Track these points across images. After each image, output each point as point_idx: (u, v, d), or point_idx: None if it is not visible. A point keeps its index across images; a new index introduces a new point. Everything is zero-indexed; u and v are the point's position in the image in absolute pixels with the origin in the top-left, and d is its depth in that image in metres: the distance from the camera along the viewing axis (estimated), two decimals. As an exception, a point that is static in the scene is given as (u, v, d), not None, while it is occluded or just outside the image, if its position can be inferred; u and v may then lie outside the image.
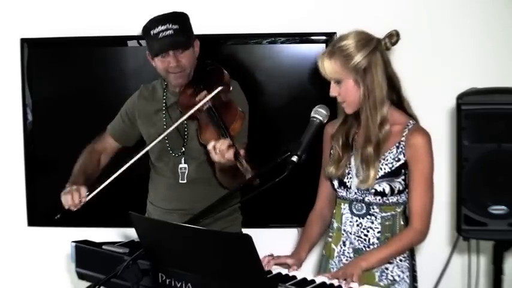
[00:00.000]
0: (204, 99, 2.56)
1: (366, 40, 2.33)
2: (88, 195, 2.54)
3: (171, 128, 2.60)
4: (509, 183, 2.20)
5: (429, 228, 2.37)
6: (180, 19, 2.65)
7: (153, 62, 2.71)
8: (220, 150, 2.33)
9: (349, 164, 2.42)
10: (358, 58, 2.29)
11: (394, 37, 2.37)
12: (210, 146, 2.37)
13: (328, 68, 2.32)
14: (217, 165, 2.49)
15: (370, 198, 2.38)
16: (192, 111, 2.55)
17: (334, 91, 2.36)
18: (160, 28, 2.59)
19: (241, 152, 2.34)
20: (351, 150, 2.43)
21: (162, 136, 2.61)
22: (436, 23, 3.28)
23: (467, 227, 2.24)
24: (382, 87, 2.34)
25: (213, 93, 2.56)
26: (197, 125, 2.63)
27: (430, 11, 3.28)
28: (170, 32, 2.58)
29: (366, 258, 2.31)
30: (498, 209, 2.20)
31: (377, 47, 2.33)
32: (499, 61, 3.24)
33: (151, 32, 2.60)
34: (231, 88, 2.65)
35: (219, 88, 2.57)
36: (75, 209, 2.54)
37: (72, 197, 2.52)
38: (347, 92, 2.33)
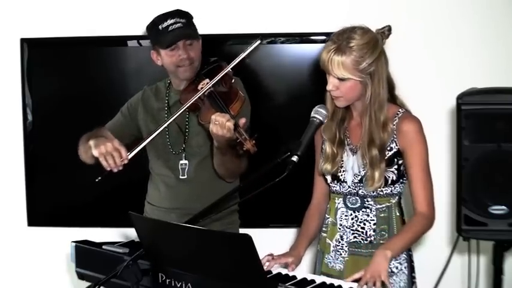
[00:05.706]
0: (208, 85, 2.60)
1: (375, 41, 2.29)
2: (129, 154, 2.50)
3: (178, 113, 2.60)
4: (509, 183, 2.19)
5: (435, 213, 2.36)
6: (186, 15, 2.72)
7: (159, 59, 2.71)
8: (220, 121, 2.38)
9: (342, 158, 2.42)
10: (369, 61, 2.26)
11: (387, 32, 2.35)
12: (211, 119, 2.41)
13: (337, 66, 2.26)
14: (216, 144, 2.51)
15: (364, 190, 2.38)
16: (197, 95, 2.58)
17: (333, 86, 2.31)
18: (169, 21, 2.65)
19: (242, 122, 2.40)
20: (344, 146, 2.43)
21: (167, 123, 2.62)
22: (437, 23, 3.28)
23: (467, 227, 2.24)
24: (386, 89, 2.33)
25: (216, 78, 2.61)
26: (198, 112, 2.64)
27: (430, 11, 3.28)
28: (179, 24, 2.65)
29: (389, 247, 2.26)
30: (498, 209, 2.20)
31: (382, 49, 2.32)
32: (499, 61, 3.24)
33: (160, 27, 2.65)
34: (233, 80, 2.67)
35: (223, 72, 2.63)
36: (116, 170, 2.49)
37: (114, 159, 2.46)
38: (349, 89, 2.30)
